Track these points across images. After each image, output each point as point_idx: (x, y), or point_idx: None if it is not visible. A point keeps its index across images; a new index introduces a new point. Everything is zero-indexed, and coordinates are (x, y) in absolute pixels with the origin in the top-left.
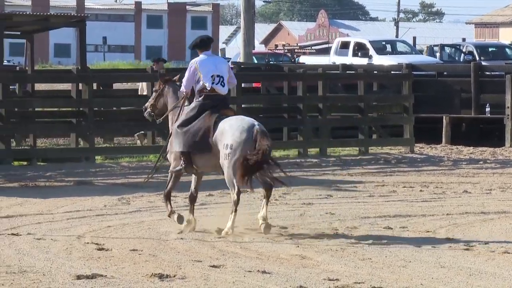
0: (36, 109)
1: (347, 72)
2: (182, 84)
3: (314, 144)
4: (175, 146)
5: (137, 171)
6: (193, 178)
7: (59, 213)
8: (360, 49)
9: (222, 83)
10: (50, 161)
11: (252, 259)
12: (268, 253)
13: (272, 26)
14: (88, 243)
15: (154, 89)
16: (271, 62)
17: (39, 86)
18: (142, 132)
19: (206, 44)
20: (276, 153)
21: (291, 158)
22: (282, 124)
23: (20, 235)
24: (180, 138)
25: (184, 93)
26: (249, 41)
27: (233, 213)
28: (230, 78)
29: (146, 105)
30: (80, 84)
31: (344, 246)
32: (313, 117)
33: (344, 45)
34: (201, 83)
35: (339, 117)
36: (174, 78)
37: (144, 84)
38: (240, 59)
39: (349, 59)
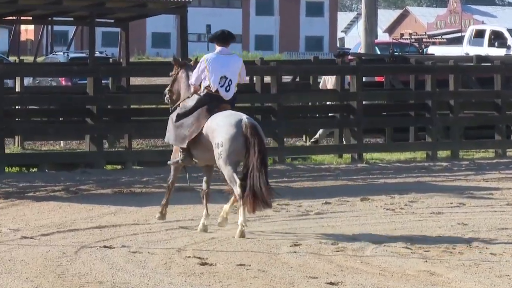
0: (132, 106)
1: (482, 64)
2: (192, 78)
3: (445, 146)
4: (169, 137)
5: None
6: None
7: (157, 223)
8: (497, 38)
9: (228, 88)
10: (147, 165)
11: (374, 276)
12: (392, 268)
13: (397, 13)
14: (189, 257)
15: (170, 73)
16: (395, 53)
17: (135, 81)
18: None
19: (224, 39)
20: (401, 156)
21: (418, 162)
22: (408, 123)
23: (114, 247)
24: (173, 131)
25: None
26: (371, 30)
27: (241, 206)
28: (240, 78)
29: (165, 90)
30: None
31: (478, 261)
32: (444, 115)
33: (479, 34)
34: (207, 82)
35: (472, 115)
36: (190, 63)
37: (329, 77)
38: (361, 49)
39: (485, 50)
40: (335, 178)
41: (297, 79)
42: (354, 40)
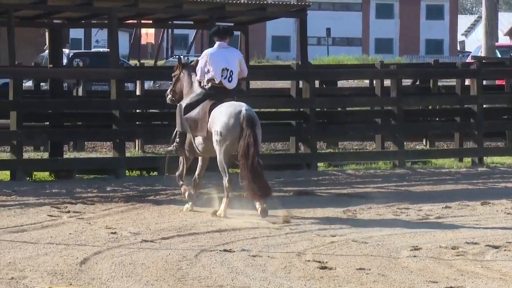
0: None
1: None
2: (197, 73)
3: None
4: (177, 125)
5: (364, 180)
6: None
7: (276, 227)
8: None
9: (230, 78)
10: (268, 169)
11: (494, 280)
12: None
13: None
14: (309, 261)
15: (172, 74)
16: None
17: (254, 84)
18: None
19: (222, 34)
20: None
21: None
22: None
23: (234, 251)
24: (181, 120)
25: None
26: (491, 33)
27: (226, 198)
28: (241, 72)
29: (167, 91)
30: (301, 82)
31: None
32: None
33: None
34: (210, 74)
35: None
36: (191, 63)
37: None
38: (482, 52)
39: None
40: (455, 182)
41: (417, 83)
42: (475, 43)
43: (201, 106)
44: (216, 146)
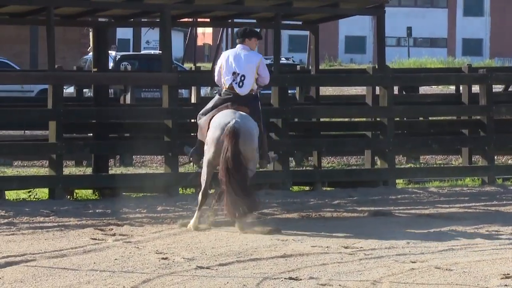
0: (322, 119)
1: None
2: (215, 76)
3: None
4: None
5: (449, 199)
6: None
7: (349, 252)
8: None
9: (241, 83)
10: (339, 186)
11: None
12: None
13: None
14: None
15: None
16: None
17: (325, 90)
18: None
19: (245, 35)
20: None
21: None
22: None
23: (301, 279)
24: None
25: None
26: None
27: (197, 211)
28: (260, 78)
29: None
30: (378, 88)
31: None
32: None
33: None
34: (222, 78)
35: None
36: None
37: None
38: None
39: None
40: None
41: (510, 89)
42: None
43: (209, 113)
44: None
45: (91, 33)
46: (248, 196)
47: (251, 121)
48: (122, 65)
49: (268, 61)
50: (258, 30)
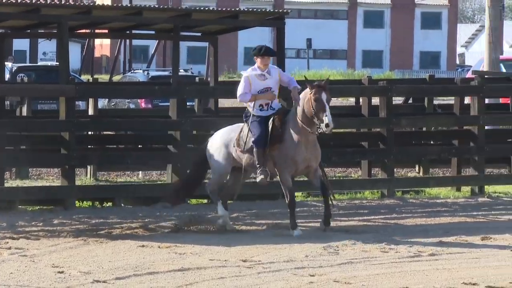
0: None
1: None
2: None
3: None
4: None
5: (348, 212)
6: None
7: (247, 265)
8: None
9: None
10: (239, 199)
11: None
12: None
13: None
14: None
15: None
16: None
17: (224, 103)
18: None
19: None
20: None
21: None
22: None
23: None
24: None
25: None
26: (495, 44)
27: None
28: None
29: None
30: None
31: None
32: None
33: None
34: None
35: None
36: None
37: None
38: (484, 67)
39: None
40: (452, 214)
41: (410, 101)
42: (476, 56)
43: None
44: None
45: None
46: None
47: None
48: (19, 76)
49: (166, 73)
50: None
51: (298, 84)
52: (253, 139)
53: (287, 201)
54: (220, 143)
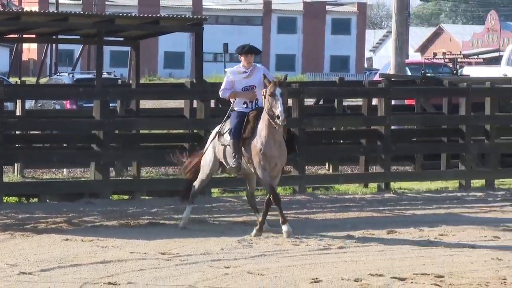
0: (141, 131)
1: None
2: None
3: (479, 175)
4: None
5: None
6: None
7: (166, 258)
8: None
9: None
10: (157, 195)
11: None
12: None
13: (430, 31)
14: None
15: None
16: (428, 74)
17: (145, 104)
18: None
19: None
20: (432, 185)
21: (450, 191)
22: (440, 150)
23: (119, 284)
24: None
25: None
26: (401, 49)
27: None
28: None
29: None
30: (195, 101)
31: None
32: (479, 142)
33: None
34: None
35: (510, 142)
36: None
37: None
38: (390, 70)
39: None
40: (359, 209)
41: (321, 102)
42: (383, 60)
43: None
44: None
45: None
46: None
47: None
48: None
49: (91, 76)
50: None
51: None
52: (230, 130)
53: (271, 198)
54: (209, 142)
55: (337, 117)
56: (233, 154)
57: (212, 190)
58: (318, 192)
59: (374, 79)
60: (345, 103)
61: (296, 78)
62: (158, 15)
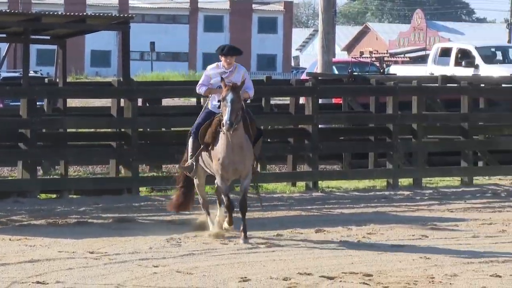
0: (69, 130)
1: (448, 85)
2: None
3: (407, 173)
4: None
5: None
6: None
7: (94, 257)
8: (464, 57)
9: None
10: (85, 194)
11: None
12: None
13: (357, 29)
14: None
15: None
16: (355, 73)
17: (72, 102)
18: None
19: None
20: (360, 184)
21: (378, 190)
22: (368, 149)
23: (47, 283)
24: None
25: None
26: (328, 47)
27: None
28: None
29: None
30: (122, 100)
31: None
32: (406, 140)
33: (445, 52)
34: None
35: (437, 140)
36: None
37: None
38: (317, 69)
39: (451, 69)
40: (288, 208)
41: (248, 101)
42: (310, 59)
43: None
44: None
45: None
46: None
47: None
48: None
49: (17, 74)
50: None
51: None
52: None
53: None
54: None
55: (265, 116)
56: (191, 153)
57: (140, 189)
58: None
59: (301, 78)
60: (272, 102)
61: None
62: (85, 13)
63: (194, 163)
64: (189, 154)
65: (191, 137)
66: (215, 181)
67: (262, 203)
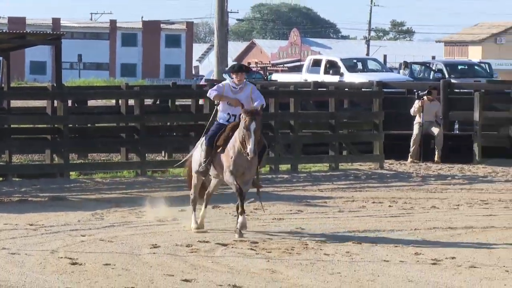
0: (12, 125)
1: (319, 89)
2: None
3: (286, 160)
4: None
5: (110, 187)
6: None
7: (33, 228)
8: (332, 67)
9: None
10: (26, 177)
11: (223, 273)
12: (239, 267)
13: (245, 44)
14: (61, 257)
15: None
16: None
17: (15, 103)
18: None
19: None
20: None
21: (262, 174)
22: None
23: None
24: None
25: None
26: (222, 59)
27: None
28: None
29: None
30: (56, 101)
31: (313, 261)
32: (285, 134)
33: (316, 63)
34: None
35: (310, 134)
36: None
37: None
38: (214, 76)
39: (321, 77)
40: (187, 188)
41: (158, 102)
42: (208, 68)
43: None
44: None
45: None
46: None
47: None
48: None
49: None
50: None
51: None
52: (205, 137)
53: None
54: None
55: (171, 114)
56: (204, 159)
57: (70, 173)
58: (156, 175)
59: (200, 83)
60: (177, 103)
61: (137, 83)
62: (25, 31)
63: (208, 167)
64: (203, 159)
65: (203, 144)
66: (224, 177)
67: (157, 184)
